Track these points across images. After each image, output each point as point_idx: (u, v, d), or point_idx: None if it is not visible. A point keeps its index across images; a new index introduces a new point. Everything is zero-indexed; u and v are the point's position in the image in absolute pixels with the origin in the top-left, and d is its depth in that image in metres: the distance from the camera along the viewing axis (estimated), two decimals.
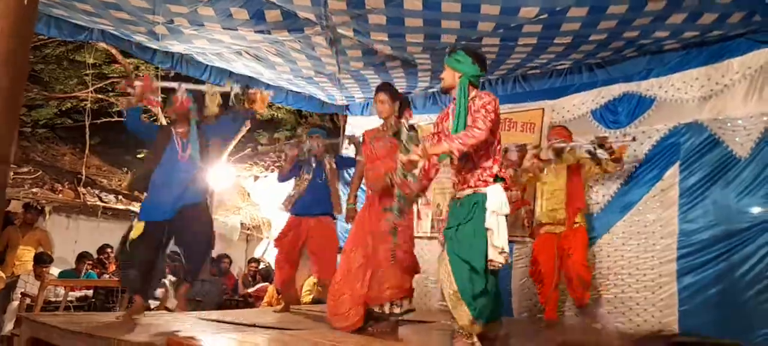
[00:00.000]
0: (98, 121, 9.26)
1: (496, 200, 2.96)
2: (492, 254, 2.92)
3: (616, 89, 5.14)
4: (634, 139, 4.72)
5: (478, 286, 2.90)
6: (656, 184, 4.77)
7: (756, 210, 4.30)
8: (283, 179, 4.90)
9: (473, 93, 3.13)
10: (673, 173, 4.70)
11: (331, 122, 10.39)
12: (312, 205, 4.62)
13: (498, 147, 3.12)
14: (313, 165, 4.72)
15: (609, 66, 5.14)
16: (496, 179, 3.05)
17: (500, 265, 2.95)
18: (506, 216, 3.01)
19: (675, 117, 4.78)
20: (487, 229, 2.92)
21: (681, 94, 4.78)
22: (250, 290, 7.73)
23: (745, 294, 4.22)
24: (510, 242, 5.31)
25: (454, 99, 3.17)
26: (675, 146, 4.74)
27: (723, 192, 4.45)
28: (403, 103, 3.86)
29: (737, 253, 4.32)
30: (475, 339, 2.94)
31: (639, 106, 5.00)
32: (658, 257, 4.66)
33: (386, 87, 3.86)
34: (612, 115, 5.15)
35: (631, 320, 4.68)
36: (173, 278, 7.26)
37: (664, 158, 4.77)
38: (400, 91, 4.05)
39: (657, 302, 4.59)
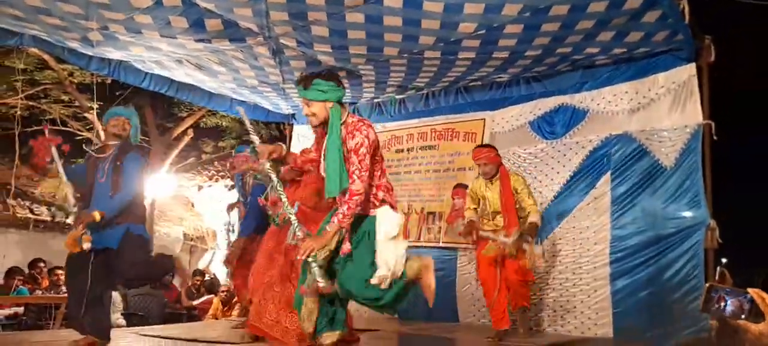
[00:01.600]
0: (29, 129, 8.81)
1: (388, 224, 2.81)
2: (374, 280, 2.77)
3: (552, 102, 5.35)
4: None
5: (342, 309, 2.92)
6: (590, 192, 4.99)
7: (681, 216, 4.56)
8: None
9: (345, 120, 2.88)
10: (605, 182, 4.93)
11: (277, 131, 10.31)
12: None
13: (380, 172, 2.96)
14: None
15: (545, 79, 5.35)
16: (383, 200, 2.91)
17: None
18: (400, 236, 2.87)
19: (606, 128, 5.02)
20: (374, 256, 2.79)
21: (612, 107, 5.03)
22: (195, 303, 7.54)
23: (672, 295, 4.48)
24: (453, 249, 5.54)
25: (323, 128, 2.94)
26: (606, 156, 4.97)
27: (651, 199, 4.71)
28: None
29: (665, 257, 4.58)
30: None
31: (573, 117, 5.23)
32: (592, 261, 4.87)
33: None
34: (548, 126, 5.36)
35: (569, 323, 4.86)
36: (113, 293, 7.02)
37: (597, 168, 5.00)
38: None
39: (592, 305, 4.79)
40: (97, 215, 3.24)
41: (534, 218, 4.29)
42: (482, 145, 4.84)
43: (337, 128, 2.81)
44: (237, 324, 4.60)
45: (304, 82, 2.84)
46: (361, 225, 2.87)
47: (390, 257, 2.75)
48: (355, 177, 2.75)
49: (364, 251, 2.81)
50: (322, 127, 2.91)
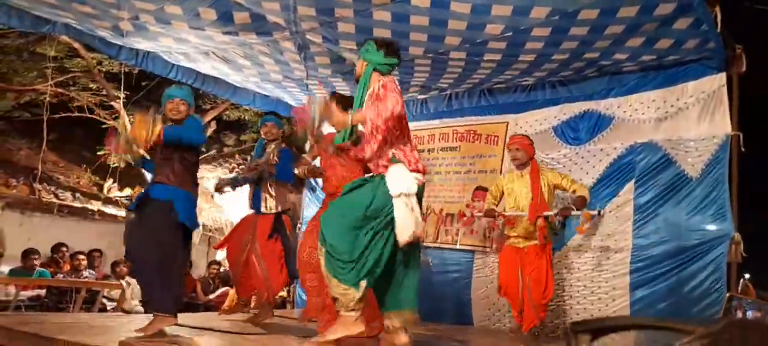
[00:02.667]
0: (57, 116, 9.00)
1: (399, 181, 2.90)
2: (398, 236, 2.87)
3: (577, 107, 5.29)
4: (600, 214, 4.68)
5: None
6: (612, 200, 4.92)
7: (705, 228, 4.49)
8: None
9: (379, 80, 3.07)
10: (628, 190, 4.86)
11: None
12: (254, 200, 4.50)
13: (406, 139, 3.06)
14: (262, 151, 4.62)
15: (571, 84, 5.30)
16: (392, 159, 2.98)
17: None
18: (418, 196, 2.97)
19: (632, 136, 4.95)
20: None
21: (638, 115, 4.96)
22: (211, 297, 7.60)
23: (693, 308, 4.39)
24: (470, 251, 5.52)
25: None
26: (631, 164, 4.90)
27: (674, 210, 4.63)
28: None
29: (687, 269, 4.49)
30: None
31: (598, 124, 5.16)
32: (612, 270, 4.80)
33: (336, 96, 3.77)
34: (573, 132, 5.30)
35: None
36: (131, 280, 7.13)
37: (621, 175, 4.93)
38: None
39: (610, 314, 4.72)
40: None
41: (582, 192, 4.39)
42: (520, 135, 4.90)
43: (362, 87, 3.07)
44: (253, 316, 4.64)
45: (363, 42, 3.17)
46: (369, 184, 3.00)
47: (406, 215, 2.83)
48: (384, 99, 2.90)
49: (355, 197, 2.93)
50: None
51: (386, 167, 2.96)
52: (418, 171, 2.99)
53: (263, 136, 4.68)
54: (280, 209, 4.41)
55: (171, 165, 3.39)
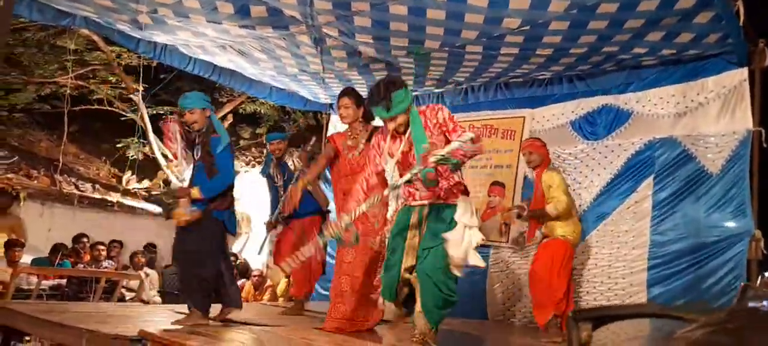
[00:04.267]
0: (77, 109, 9.12)
1: (468, 213, 2.96)
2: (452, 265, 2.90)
3: (595, 102, 5.24)
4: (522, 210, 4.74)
5: (443, 299, 2.92)
6: (631, 196, 4.88)
7: (724, 225, 4.43)
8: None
9: (430, 111, 3.03)
10: (647, 186, 4.81)
11: (314, 120, 10.39)
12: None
13: None
14: (280, 170, 4.72)
15: (588, 78, 5.25)
16: (465, 191, 3.07)
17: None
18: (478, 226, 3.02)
19: (651, 131, 4.89)
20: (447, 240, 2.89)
21: (657, 110, 4.90)
22: None
23: (712, 306, 4.34)
24: (486, 246, 5.50)
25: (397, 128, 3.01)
26: (650, 160, 4.85)
27: (693, 206, 4.57)
28: (368, 109, 3.67)
29: (705, 266, 4.45)
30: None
31: (617, 119, 5.11)
32: (629, 266, 4.77)
33: (350, 92, 3.79)
34: (590, 126, 5.25)
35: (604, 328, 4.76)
36: (150, 270, 7.24)
37: (639, 171, 4.88)
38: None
39: None
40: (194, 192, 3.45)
41: (548, 206, 4.17)
42: (532, 138, 4.80)
43: (420, 123, 2.94)
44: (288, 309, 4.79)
45: (385, 104, 2.87)
46: (444, 213, 2.98)
47: (466, 247, 2.88)
48: (459, 131, 2.89)
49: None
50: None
51: (456, 195, 3.02)
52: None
53: (272, 153, 4.77)
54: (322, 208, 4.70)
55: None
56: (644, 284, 4.66)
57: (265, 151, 10.99)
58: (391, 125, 2.98)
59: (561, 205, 4.15)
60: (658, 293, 4.57)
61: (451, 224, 2.93)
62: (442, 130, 2.97)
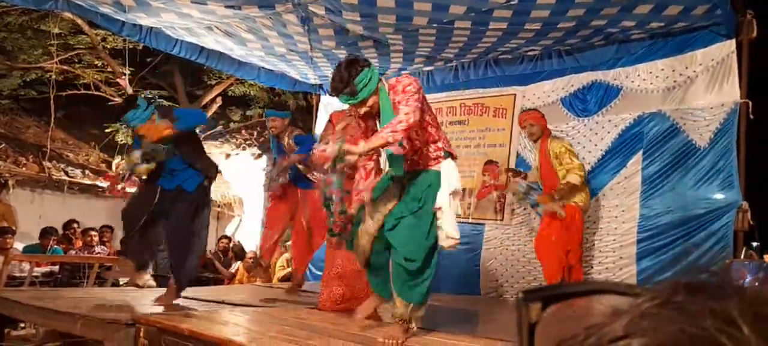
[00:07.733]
0: (64, 94, 9.03)
1: (452, 178, 2.77)
2: (440, 239, 2.74)
3: (585, 77, 5.24)
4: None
5: (411, 274, 2.73)
6: (621, 171, 4.91)
7: (712, 197, 4.47)
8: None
9: (388, 83, 2.79)
10: (636, 161, 4.84)
11: (304, 101, 10.34)
12: (296, 179, 4.58)
13: (436, 126, 2.90)
14: (278, 145, 4.69)
15: (578, 53, 5.24)
16: (446, 155, 2.84)
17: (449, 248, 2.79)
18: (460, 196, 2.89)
19: (640, 106, 4.90)
20: (437, 208, 2.73)
21: (646, 85, 4.90)
22: (232, 271, 7.65)
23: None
24: (481, 223, 5.53)
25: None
26: (639, 135, 4.87)
27: (682, 180, 4.61)
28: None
29: (693, 237, 4.49)
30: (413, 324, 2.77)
31: (607, 95, 5.11)
32: (619, 240, 4.81)
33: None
34: (581, 103, 5.26)
35: None
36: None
37: (629, 147, 4.90)
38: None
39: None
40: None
41: (570, 177, 4.21)
42: (528, 109, 4.79)
43: (388, 100, 2.71)
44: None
45: (350, 90, 2.64)
46: (421, 179, 2.79)
47: (453, 218, 2.73)
48: (402, 105, 2.60)
49: (428, 212, 2.72)
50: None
51: (437, 161, 2.83)
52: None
53: (271, 131, 4.66)
54: None
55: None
56: (633, 258, 4.71)
57: (255, 133, 10.94)
58: (363, 109, 2.76)
59: (580, 169, 4.24)
60: (646, 265, 4.63)
61: (430, 188, 2.75)
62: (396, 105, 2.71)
